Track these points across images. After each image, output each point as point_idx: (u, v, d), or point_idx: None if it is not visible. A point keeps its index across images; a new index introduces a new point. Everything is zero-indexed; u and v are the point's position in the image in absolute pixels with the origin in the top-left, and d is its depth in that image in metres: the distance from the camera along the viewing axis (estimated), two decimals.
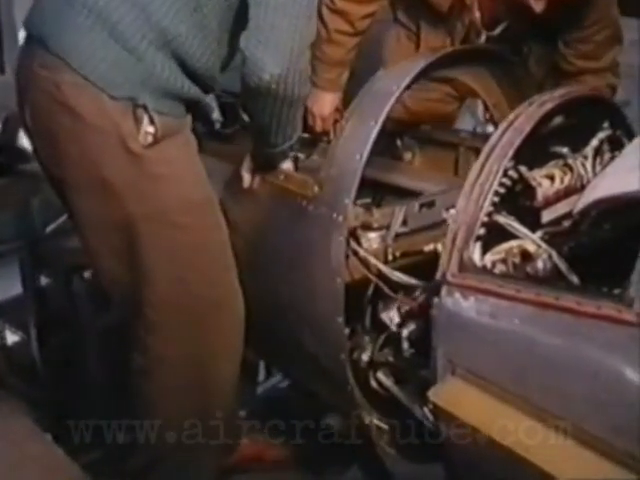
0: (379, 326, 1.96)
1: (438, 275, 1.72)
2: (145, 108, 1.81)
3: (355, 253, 1.87)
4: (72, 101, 1.81)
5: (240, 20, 1.88)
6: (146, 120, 1.82)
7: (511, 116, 1.82)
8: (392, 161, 2.04)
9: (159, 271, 1.91)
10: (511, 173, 1.76)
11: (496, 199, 1.73)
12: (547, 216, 1.81)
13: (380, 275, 1.86)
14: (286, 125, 1.97)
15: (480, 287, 1.64)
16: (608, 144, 1.93)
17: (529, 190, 1.78)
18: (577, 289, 1.63)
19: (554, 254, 1.72)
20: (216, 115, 2.42)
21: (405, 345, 1.86)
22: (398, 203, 1.93)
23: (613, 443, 1.41)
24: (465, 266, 1.69)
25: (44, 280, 2.72)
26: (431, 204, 1.90)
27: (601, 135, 1.92)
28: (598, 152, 1.91)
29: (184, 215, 1.90)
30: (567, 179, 1.83)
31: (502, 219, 1.74)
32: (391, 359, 1.94)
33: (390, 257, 1.89)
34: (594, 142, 1.90)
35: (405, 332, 1.86)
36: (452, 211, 1.82)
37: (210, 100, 2.35)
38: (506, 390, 1.58)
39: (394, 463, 2.19)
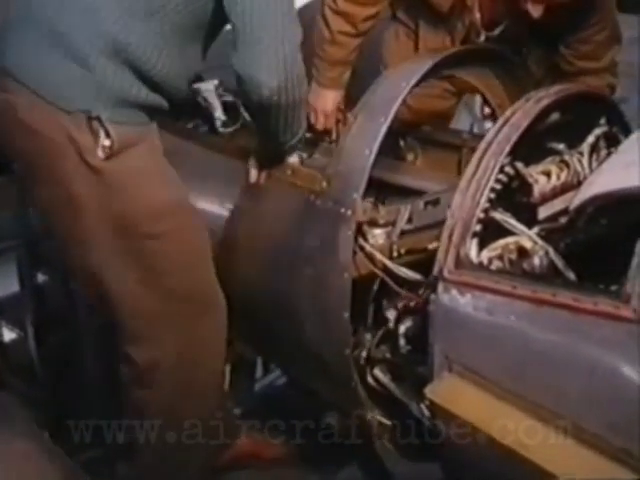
0: (378, 323, 1.96)
1: (435, 271, 1.72)
2: (100, 120, 1.77)
3: (362, 249, 1.87)
4: (29, 120, 1.79)
5: (208, 26, 1.86)
6: (102, 133, 1.78)
7: (508, 112, 1.82)
8: (395, 161, 2.04)
9: (140, 282, 1.89)
10: (507, 169, 1.76)
11: (492, 195, 1.73)
12: (543, 212, 1.81)
13: (386, 271, 1.86)
14: (292, 123, 1.96)
15: (477, 283, 1.64)
16: (604, 140, 1.93)
17: (526, 186, 1.79)
18: (574, 285, 1.63)
19: (551, 250, 1.72)
20: (218, 113, 2.41)
21: (402, 342, 1.86)
22: (403, 201, 1.93)
23: (610, 440, 1.42)
24: (462, 262, 1.69)
25: (42, 278, 2.71)
26: (436, 202, 1.90)
27: (597, 131, 1.92)
28: (594, 149, 1.91)
29: (156, 224, 1.87)
30: (563, 175, 1.83)
31: (498, 215, 1.74)
32: (388, 356, 1.94)
33: (395, 254, 1.89)
34: (590, 139, 1.90)
35: (402, 329, 1.86)
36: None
37: (213, 99, 2.34)
38: (503, 387, 1.58)
39: (394, 463, 2.19)
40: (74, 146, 1.78)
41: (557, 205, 1.82)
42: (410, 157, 2.07)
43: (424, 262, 1.81)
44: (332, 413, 2.44)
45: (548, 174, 1.82)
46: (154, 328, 1.94)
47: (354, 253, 1.85)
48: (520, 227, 1.75)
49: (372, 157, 1.84)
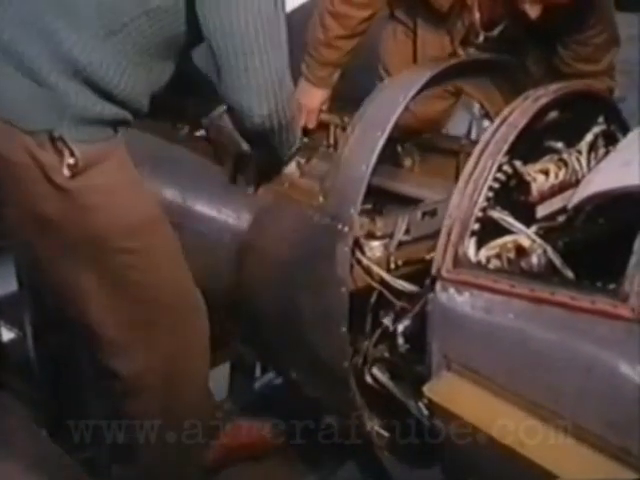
0: (376, 327, 1.95)
1: (433, 271, 1.72)
2: (63, 140, 1.74)
3: (359, 262, 1.87)
4: None
5: (180, 45, 1.84)
6: (67, 152, 1.75)
7: (505, 111, 1.82)
8: (394, 168, 2.03)
9: (116, 297, 1.88)
10: (506, 168, 1.76)
11: (490, 194, 1.73)
12: (542, 211, 1.80)
13: (383, 283, 1.86)
14: (287, 139, 1.96)
15: (475, 282, 1.64)
16: (603, 139, 1.93)
17: (524, 185, 1.78)
18: (572, 284, 1.63)
19: (549, 249, 1.72)
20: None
21: (400, 341, 1.86)
22: (400, 211, 1.93)
23: (608, 439, 1.42)
24: (460, 261, 1.69)
25: None
26: (433, 213, 1.90)
27: (596, 130, 1.92)
28: (593, 147, 1.91)
29: (128, 239, 1.85)
30: (562, 174, 1.83)
31: (496, 214, 1.74)
32: (387, 355, 1.94)
33: (393, 265, 1.88)
34: (589, 137, 1.90)
35: (400, 328, 1.86)
36: None
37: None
38: (501, 385, 1.58)
39: (393, 464, 2.19)
40: (38, 165, 1.75)
41: (555, 204, 1.82)
42: (408, 163, 2.07)
43: (422, 273, 1.81)
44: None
45: (546, 173, 1.81)
46: (135, 340, 1.93)
47: (351, 266, 1.85)
48: (518, 226, 1.75)
49: (369, 172, 1.84)
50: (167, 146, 2.37)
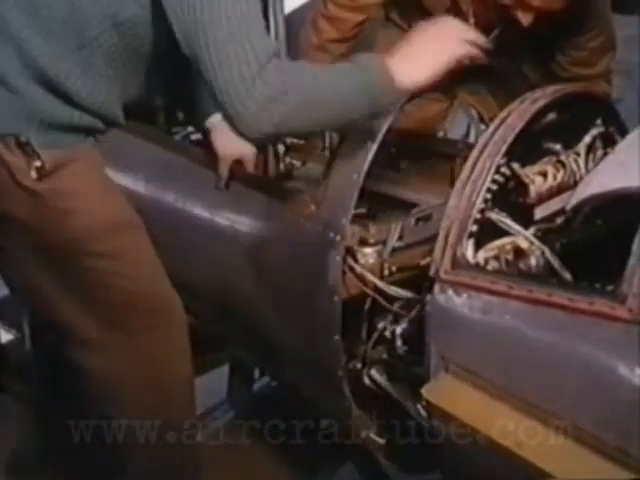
0: (372, 331, 1.96)
1: (431, 272, 1.72)
2: (29, 144, 1.73)
3: (352, 269, 1.87)
4: None
5: (158, 57, 1.81)
6: (34, 155, 1.74)
7: (503, 113, 1.82)
8: (388, 172, 2.03)
9: (86, 300, 1.87)
10: (504, 170, 1.76)
11: (489, 196, 1.73)
12: (540, 213, 1.81)
13: (377, 290, 1.86)
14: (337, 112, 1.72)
15: (473, 284, 1.64)
16: (601, 141, 1.93)
17: (522, 187, 1.79)
18: (569, 286, 1.63)
19: (547, 251, 1.73)
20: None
21: (398, 342, 1.86)
22: (394, 217, 1.93)
23: (606, 440, 1.42)
24: (458, 263, 1.69)
25: None
26: (427, 218, 1.90)
27: (594, 132, 1.92)
28: (591, 149, 1.91)
29: (98, 243, 1.83)
30: (560, 176, 1.83)
31: (495, 216, 1.74)
32: (385, 356, 1.94)
33: (386, 272, 1.88)
34: (587, 139, 1.90)
35: (398, 330, 1.86)
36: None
37: None
38: (499, 386, 1.58)
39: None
40: (6, 168, 1.75)
41: (553, 205, 1.82)
42: (403, 166, 2.07)
43: (417, 278, 1.81)
44: None
45: (544, 174, 1.82)
46: (110, 341, 1.91)
47: (344, 274, 1.85)
48: (516, 227, 1.75)
49: (360, 181, 1.83)
50: (163, 151, 2.37)
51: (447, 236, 1.72)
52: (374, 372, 1.96)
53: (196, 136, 2.51)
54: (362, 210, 1.98)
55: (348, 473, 2.43)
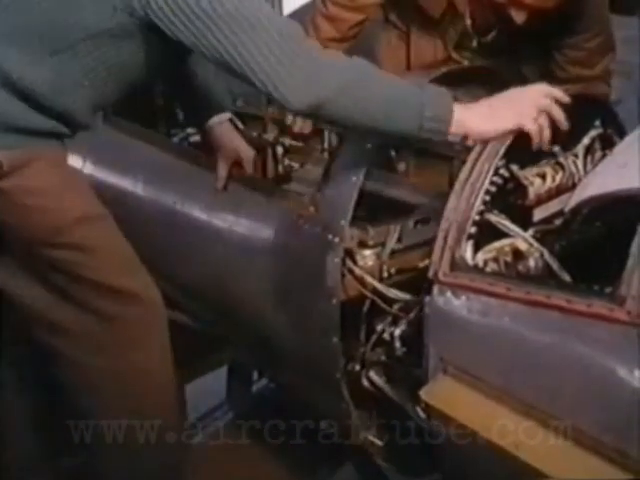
0: (371, 333, 1.95)
1: (430, 274, 1.72)
2: None
3: (350, 271, 1.87)
4: None
5: (134, 66, 1.80)
6: None
7: None
8: (387, 174, 2.04)
9: (53, 292, 1.87)
10: (502, 172, 1.76)
11: (487, 198, 1.73)
12: (538, 214, 1.81)
13: (376, 292, 1.86)
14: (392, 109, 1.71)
15: (471, 286, 1.64)
16: (599, 142, 1.93)
17: (521, 189, 1.79)
18: (568, 287, 1.63)
19: (545, 252, 1.73)
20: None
21: (397, 344, 1.86)
22: (393, 220, 1.93)
23: (604, 441, 1.42)
24: (457, 265, 1.69)
25: None
26: (426, 220, 1.90)
27: (592, 133, 1.92)
28: (589, 150, 1.91)
29: (67, 236, 1.83)
30: (558, 177, 1.84)
31: (493, 218, 1.74)
32: (383, 358, 1.94)
33: (385, 274, 1.88)
34: (585, 140, 1.91)
35: (397, 332, 1.86)
36: None
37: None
38: (497, 388, 1.58)
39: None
40: None
41: (552, 207, 1.82)
42: (402, 167, 2.07)
43: (415, 280, 1.81)
44: None
45: (543, 176, 1.82)
46: (88, 333, 1.91)
47: (342, 276, 1.85)
48: (515, 229, 1.75)
49: (359, 184, 1.84)
50: (162, 153, 2.37)
51: (446, 238, 1.72)
52: (373, 374, 1.96)
53: (195, 138, 2.52)
54: (361, 212, 1.97)
55: (347, 473, 2.43)
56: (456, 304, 1.66)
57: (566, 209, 1.76)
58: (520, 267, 1.73)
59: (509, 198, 1.79)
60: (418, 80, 1.83)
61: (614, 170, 1.69)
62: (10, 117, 1.76)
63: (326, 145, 2.32)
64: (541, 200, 1.81)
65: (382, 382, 1.95)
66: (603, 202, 1.67)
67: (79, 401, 2.02)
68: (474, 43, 2.40)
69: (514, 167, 1.78)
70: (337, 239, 1.84)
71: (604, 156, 1.89)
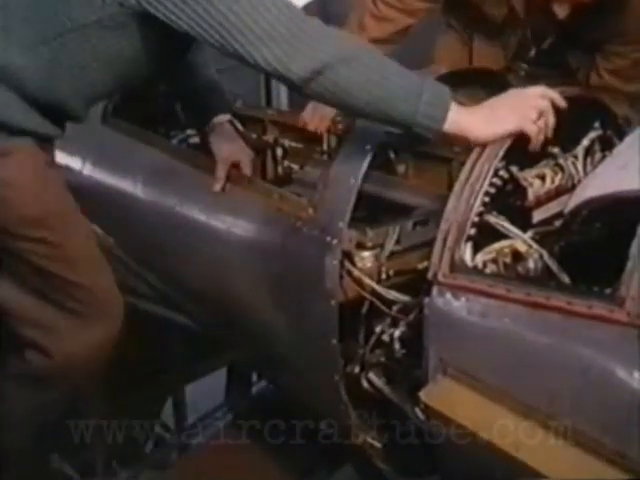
0: (369, 335, 1.95)
1: (429, 275, 1.72)
2: None
3: (349, 273, 1.87)
4: None
5: (127, 60, 1.81)
6: None
7: None
8: (387, 175, 2.04)
9: (16, 284, 1.91)
10: (502, 173, 1.76)
11: (487, 199, 1.73)
12: (538, 216, 1.81)
13: (375, 294, 1.86)
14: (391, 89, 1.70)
15: (471, 287, 1.64)
16: (599, 144, 1.93)
17: (520, 190, 1.78)
18: (568, 289, 1.63)
19: (545, 254, 1.73)
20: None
21: (397, 345, 1.86)
22: (392, 221, 1.93)
23: (604, 442, 1.42)
24: (456, 266, 1.69)
25: None
26: (425, 222, 1.90)
27: (592, 135, 1.92)
28: (589, 152, 1.91)
29: (34, 230, 1.85)
30: (558, 179, 1.83)
31: (493, 219, 1.74)
32: (383, 359, 1.94)
33: (384, 276, 1.88)
34: (585, 142, 1.91)
35: (396, 333, 1.86)
36: None
37: None
38: (497, 389, 1.58)
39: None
40: None
41: (551, 208, 1.82)
42: (401, 169, 2.07)
43: (414, 282, 1.81)
44: None
45: (542, 178, 1.81)
46: (41, 322, 1.94)
47: (341, 277, 1.85)
48: (514, 230, 1.75)
49: (357, 186, 1.84)
50: (161, 154, 2.37)
51: (445, 239, 1.71)
52: (372, 375, 1.96)
53: (194, 139, 2.52)
54: (360, 214, 1.98)
55: (347, 474, 2.43)
56: (456, 305, 1.66)
57: (565, 210, 1.76)
58: (519, 268, 1.73)
59: (508, 199, 1.79)
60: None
61: (614, 171, 1.70)
62: None
63: (325, 147, 2.32)
64: (540, 201, 1.81)
65: (382, 383, 1.95)
66: (603, 203, 1.67)
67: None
68: (532, 53, 2.41)
69: (513, 168, 1.78)
70: (335, 241, 1.84)
71: (604, 157, 1.89)
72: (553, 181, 1.82)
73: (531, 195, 1.79)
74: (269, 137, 2.45)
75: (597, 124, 1.94)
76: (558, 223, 1.83)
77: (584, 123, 1.93)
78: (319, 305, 1.86)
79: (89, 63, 1.79)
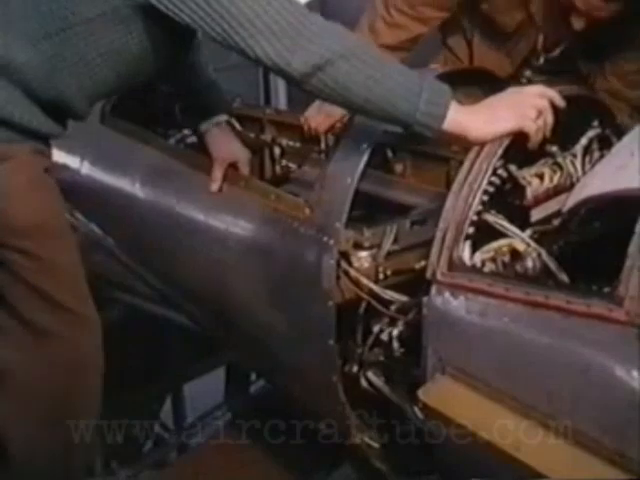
0: (368, 335, 1.95)
1: (428, 274, 1.72)
2: None
3: (346, 273, 1.86)
4: None
5: (131, 56, 1.80)
6: None
7: None
8: (384, 175, 2.04)
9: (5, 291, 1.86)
10: (500, 172, 1.76)
11: (485, 198, 1.73)
12: (536, 215, 1.81)
13: (372, 294, 1.86)
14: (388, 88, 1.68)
15: (470, 286, 1.64)
16: (597, 143, 1.93)
17: (518, 189, 1.78)
18: (566, 288, 1.63)
19: (543, 253, 1.72)
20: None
21: (395, 344, 1.86)
22: (389, 221, 1.93)
23: (603, 442, 1.42)
24: (455, 265, 1.69)
25: None
26: (422, 221, 1.90)
27: (590, 134, 1.92)
28: (587, 151, 1.91)
29: (18, 240, 1.81)
30: (556, 178, 1.83)
31: (491, 218, 1.74)
32: (382, 358, 1.94)
33: (381, 276, 1.88)
34: (583, 141, 1.91)
35: (395, 332, 1.86)
36: None
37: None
38: (495, 389, 1.58)
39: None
40: None
41: (550, 207, 1.82)
42: (399, 168, 2.07)
43: (412, 281, 1.81)
44: None
45: (541, 176, 1.81)
46: (13, 335, 1.88)
47: (338, 278, 1.85)
48: (513, 229, 1.75)
49: (354, 186, 1.84)
50: (158, 154, 2.37)
51: (444, 238, 1.71)
52: (371, 374, 1.95)
53: (191, 139, 2.52)
54: (357, 213, 1.97)
55: (346, 473, 2.43)
56: (454, 304, 1.66)
57: (564, 209, 1.76)
58: (518, 267, 1.73)
59: (507, 198, 1.79)
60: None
61: (612, 170, 1.69)
62: None
63: (323, 146, 2.32)
64: (539, 200, 1.80)
65: (380, 383, 1.94)
66: (601, 202, 1.67)
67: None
68: (540, 60, 2.40)
69: (512, 167, 1.78)
70: (332, 241, 1.84)
71: (602, 156, 1.89)
72: (552, 180, 1.82)
73: (530, 194, 1.78)
74: (267, 136, 2.44)
75: (596, 123, 1.94)
76: (557, 222, 1.83)
77: (583, 122, 1.93)
78: (316, 306, 1.86)
79: (92, 59, 1.78)
